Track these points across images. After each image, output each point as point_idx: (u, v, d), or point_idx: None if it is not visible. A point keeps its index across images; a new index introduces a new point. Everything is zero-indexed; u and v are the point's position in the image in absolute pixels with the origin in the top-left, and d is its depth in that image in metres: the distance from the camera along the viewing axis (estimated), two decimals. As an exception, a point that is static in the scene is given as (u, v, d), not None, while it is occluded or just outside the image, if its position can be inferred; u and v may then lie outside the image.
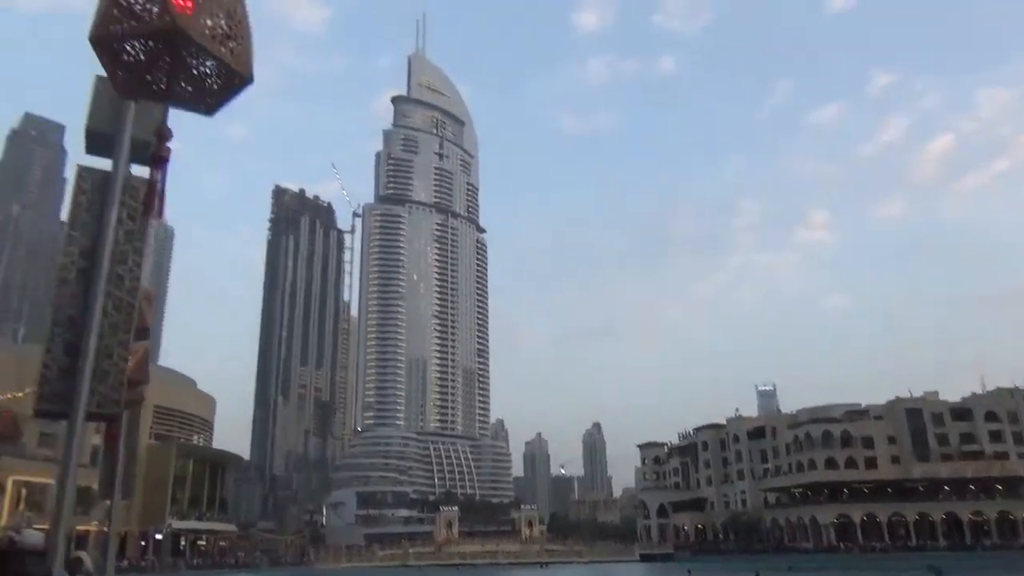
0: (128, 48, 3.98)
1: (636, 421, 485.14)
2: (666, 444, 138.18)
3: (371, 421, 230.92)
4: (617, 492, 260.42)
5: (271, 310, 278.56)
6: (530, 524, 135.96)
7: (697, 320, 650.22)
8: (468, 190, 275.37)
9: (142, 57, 4.04)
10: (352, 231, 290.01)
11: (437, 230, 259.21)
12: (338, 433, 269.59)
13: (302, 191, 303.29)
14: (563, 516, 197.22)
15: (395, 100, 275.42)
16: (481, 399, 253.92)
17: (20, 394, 16.65)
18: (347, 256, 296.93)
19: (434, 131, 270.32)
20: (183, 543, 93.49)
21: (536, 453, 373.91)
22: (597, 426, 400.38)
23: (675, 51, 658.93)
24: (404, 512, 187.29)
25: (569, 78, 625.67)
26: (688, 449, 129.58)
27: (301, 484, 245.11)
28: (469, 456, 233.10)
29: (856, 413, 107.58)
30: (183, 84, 4.07)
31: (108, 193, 5.71)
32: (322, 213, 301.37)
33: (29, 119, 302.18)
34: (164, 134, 3.87)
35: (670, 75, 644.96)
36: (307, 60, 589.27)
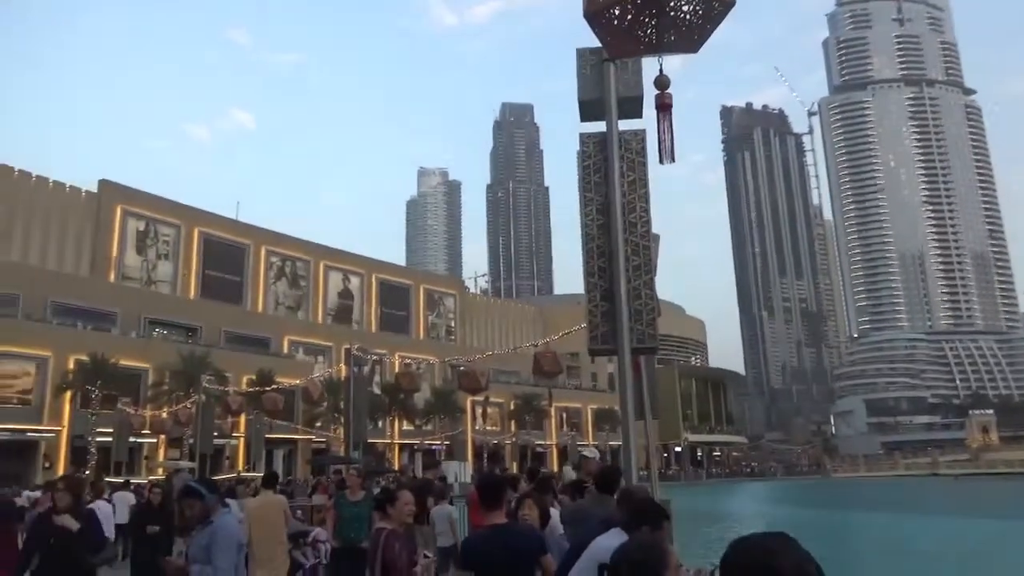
0: (615, 13, 4.23)
1: None
2: None
3: (867, 326, 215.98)
4: None
5: (740, 228, 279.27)
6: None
7: None
8: (944, 50, 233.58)
9: (628, 18, 4.26)
10: (810, 132, 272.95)
11: (911, 105, 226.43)
12: (832, 342, 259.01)
13: (749, 105, 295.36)
14: None
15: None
16: (1003, 287, 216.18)
17: (555, 336, 19.96)
18: (809, 159, 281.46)
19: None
20: (699, 454, 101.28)
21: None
22: None
23: None
24: (924, 418, 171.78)
25: None
26: None
27: (802, 395, 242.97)
28: (998, 353, 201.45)
29: None
30: (668, 32, 4.20)
31: (607, 151, 6.34)
32: (774, 121, 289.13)
33: (506, 107, 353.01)
34: (664, 83, 4.07)
35: None
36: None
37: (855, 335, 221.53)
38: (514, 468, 65.09)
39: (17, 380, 46.20)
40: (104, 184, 63.31)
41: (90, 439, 43.08)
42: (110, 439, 40.77)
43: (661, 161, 4.21)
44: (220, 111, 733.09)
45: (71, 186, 61.70)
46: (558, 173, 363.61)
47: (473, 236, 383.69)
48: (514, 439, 76.38)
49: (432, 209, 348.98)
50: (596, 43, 6.69)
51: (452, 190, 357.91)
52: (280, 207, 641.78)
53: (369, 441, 48.24)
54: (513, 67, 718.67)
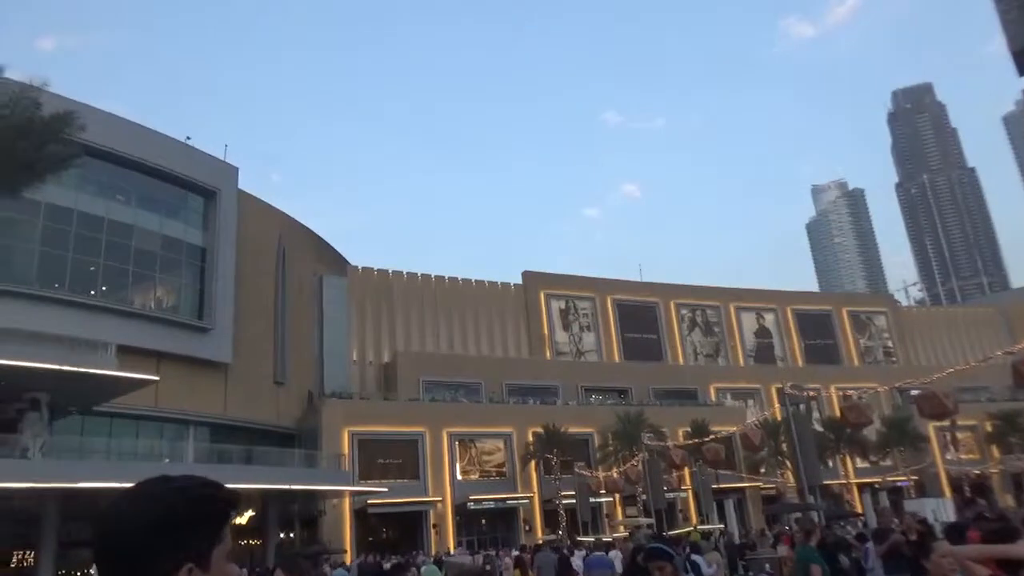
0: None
1: None
2: None
3: None
4: None
5: None
6: None
7: None
8: None
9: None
10: None
11: None
12: None
13: None
14: None
15: None
16: None
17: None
18: None
19: None
20: None
21: None
22: None
23: None
24: None
25: None
26: None
27: None
28: None
29: None
30: None
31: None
32: None
33: (897, 95, 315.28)
34: None
35: None
36: None
37: None
38: (1008, 501, 54.69)
39: (492, 456, 53.64)
40: (527, 275, 71.87)
41: (558, 502, 47.77)
42: (574, 501, 44.58)
43: None
44: (609, 187, 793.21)
45: (502, 283, 71.32)
46: (982, 150, 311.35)
47: (891, 244, 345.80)
48: (1000, 466, 64.34)
49: (836, 225, 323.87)
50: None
51: (855, 200, 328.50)
52: (679, 260, 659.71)
53: (823, 483, 44.90)
54: (894, 54, 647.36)
